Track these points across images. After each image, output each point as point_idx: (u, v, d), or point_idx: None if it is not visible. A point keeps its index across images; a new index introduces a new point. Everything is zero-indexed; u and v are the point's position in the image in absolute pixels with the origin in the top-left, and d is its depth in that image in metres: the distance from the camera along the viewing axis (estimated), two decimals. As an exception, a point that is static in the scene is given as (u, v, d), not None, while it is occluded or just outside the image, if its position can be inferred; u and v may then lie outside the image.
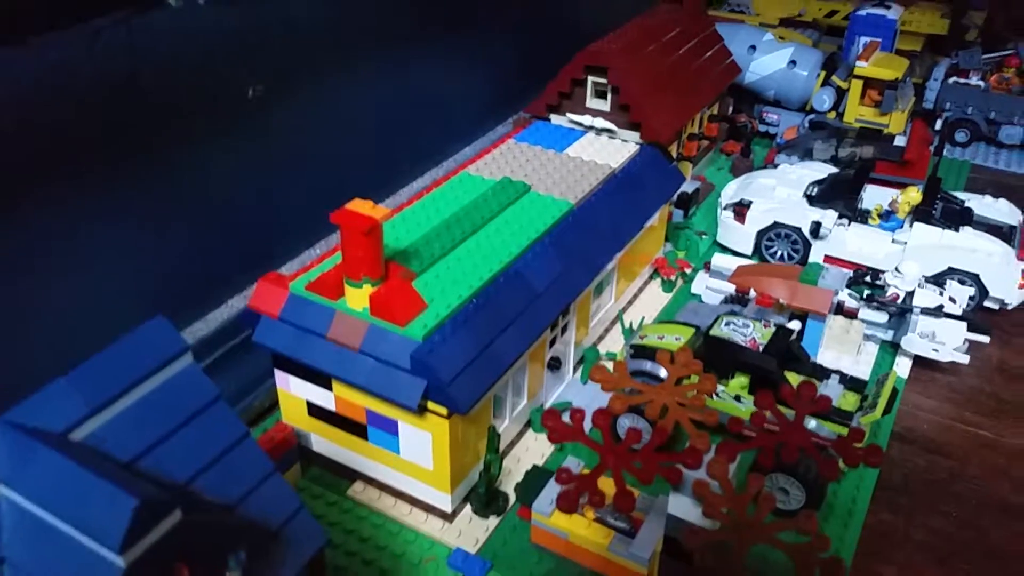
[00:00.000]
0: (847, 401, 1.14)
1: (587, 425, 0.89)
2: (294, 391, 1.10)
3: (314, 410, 1.10)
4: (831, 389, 1.15)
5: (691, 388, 0.91)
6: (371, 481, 1.11)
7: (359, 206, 0.95)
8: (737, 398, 1.14)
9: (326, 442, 1.12)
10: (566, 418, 0.88)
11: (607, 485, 0.83)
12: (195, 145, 1.16)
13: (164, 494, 0.58)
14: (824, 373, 1.18)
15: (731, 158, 1.97)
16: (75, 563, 0.56)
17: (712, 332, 1.17)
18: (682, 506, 0.86)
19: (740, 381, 1.14)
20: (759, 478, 0.78)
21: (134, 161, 1.08)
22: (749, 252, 1.61)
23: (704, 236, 1.69)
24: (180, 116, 1.12)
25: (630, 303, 1.49)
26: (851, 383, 1.17)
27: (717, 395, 1.15)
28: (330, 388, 1.05)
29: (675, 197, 1.59)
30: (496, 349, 1.02)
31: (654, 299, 1.52)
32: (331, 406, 1.07)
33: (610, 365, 0.94)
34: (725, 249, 1.63)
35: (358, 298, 0.99)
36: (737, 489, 0.79)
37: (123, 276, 1.11)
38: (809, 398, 0.88)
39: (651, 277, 1.57)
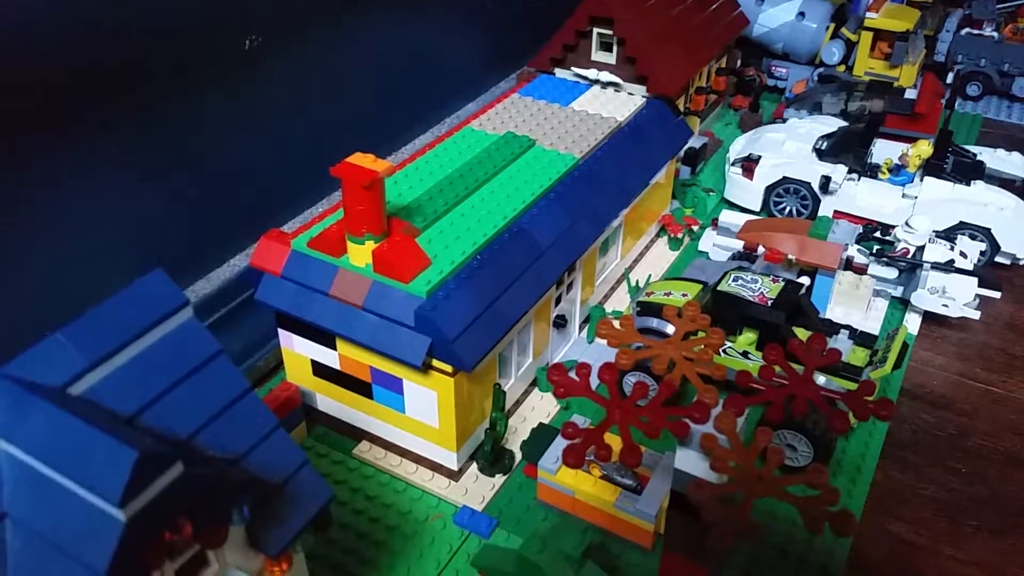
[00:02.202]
0: (856, 356, 1.12)
1: (594, 382, 0.88)
2: (298, 350, 1.09)
3: (319, 369, 1.09)
4: (840, 344, 1.14)
5: (698, 342, 0.90)
6: (377, 440, 1.10)
7: (360, 159, 0.93)
8: (745, 354, 1.13)
9: (331, 401, 1.11)
10: (572, 374, 0.87)
11: (613, 441, 0.82)
12: (192, 98, 1.14)
13: (165, 447, 0.58)
14: (833, 328, 1.17)
15: (739, 113, 1.94)
16: (76, 517, 0.55)
17: (720, 287, 1.16)
18: (689, 460, 0.85)
19: (748, 337, 1.13)
20: (767, 432, 0.77)
21: (129, 115, 1.06)
22: (757, 208, 1.59)
23: (711, 193, 1.67)
24: (175, 67, 1.10)
25: (636, 261, 1.47)
26: (860, 338, 1.16)
27: (724, 351, 1.13)
28: (334, 347, 1.05)
29: (682, 153, 1.57)
30: (501, 306, 1.00)
31: (661, 257, 1.50)
32: (335, 365, 1.06)
33: (616, 322, 0.93)
34: (733, 205, 1.61)
35: (361, 254, 0.97)
36: (745, 443, 0.78)
37: (121, 235, 1.10)
38: (819, 351, 0.86)
39: (658, 235, 1.55)
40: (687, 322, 0.91)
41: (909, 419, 1.19)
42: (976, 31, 2.08)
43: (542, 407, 1.17)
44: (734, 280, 1.17)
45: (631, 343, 0.89)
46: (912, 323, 1.34)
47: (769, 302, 1.12)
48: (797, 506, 0.71)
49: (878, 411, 0.80)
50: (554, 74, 1.48)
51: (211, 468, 0.63)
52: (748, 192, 1.58)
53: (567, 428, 0.80)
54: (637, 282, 1.39)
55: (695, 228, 1.53)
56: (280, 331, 1.09)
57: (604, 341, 0.89)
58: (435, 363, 0.97)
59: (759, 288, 1.14)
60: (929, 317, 1.35)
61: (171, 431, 0.64)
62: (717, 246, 1.45)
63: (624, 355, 0.87)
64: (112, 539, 0.53)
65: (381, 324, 0.97)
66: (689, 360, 0.87)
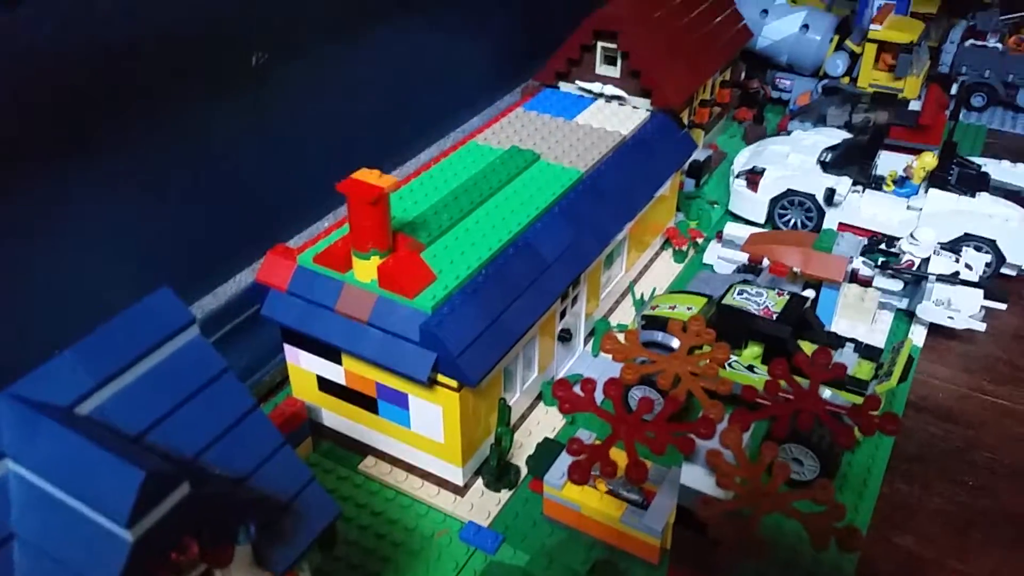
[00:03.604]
0: (862, 370, 1.12)
1: (599, 396, 0.88)
2: (304, 365, 1.09)
3: (324, 384, 1.09)
4: (846, 358, 1.14)
5: (704, 357, 0.90)
6: (382, 455, 1.10)
7: (366, 175, 0.93)
8: (750, 368, 1.13)
9: (337, 416, 1.11)
10: (577, 389, 0.87)
11: (619, 456, 0.82)
12: (199, 115, 1.15)
13: (171, 467, 0.58)
14: (838, 341, 1.16)
15: (743, 125, 1.94)
16: (84, 538, 0.55)
17: (725, 301, 1.16)
18: (695, 476, 0.85)
19: (753, 351, 1.13)
20: (773, 447, 0.77)
21: (137, 132, 1.07)
22: (762, 221, 1.59)
23: (716, 205, 1.67)
24: (183, 84, 1.11)
25: (641, 274, 1.48)
26: (866, 351, 1.16)
27: (730, 365, 1.13)
28: (340, 362, 1.05)
29: (686, 166, 1.57)
30: (506, 321, 1.01)
31: (666, 270, 1.50)
32: (341, 380, 1.07)
33: (621, 336, 0.93)
34: (738, 218, 1.61)
35: (366, 270, 0.98)
36: (751, 458, 0.77)
37: (129, 251, 1.10)
38: (824, 365, 0.86)
39: (662, 247, 1.55)
40: (692, 336, 0.91)
41: (915, 432, 1.19)
42: (980, 42, 2.08)
43: (548, 421, 1.17)
44: (739, 293, 1.17)
45: (636, 357, 0.89)
46: (918, 335, 1.34)
47: (774, 316, 1.12)
48: (803, 522, 0.71)
49: (884, 426, 0.80)
50: (559, 88, 1.49)
51: (217, 487, 0.64)
52: (753, 204, 1.59)
53: (572, 444, 0.80)
54: (642, 295, 1.40)
55: (699, 241, 1.53)
56: (286, 346, 1.09)
57: (609, 355, 0.90)
58: (440, 378, 0.97)
59: (764, 302, 1.14)
60: (935, 329, 1.35)
61: (178, 450, 0.64)
62: (722, 259, 1.45)
63: (629, 370, 0.87)
64: (119, 559, 0.54)
65: (386, 339, 0.97)
66: (695, 375, 0.87)
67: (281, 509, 0.69)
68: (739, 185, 1.60)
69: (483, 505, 1.04)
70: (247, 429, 0.69)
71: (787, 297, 1.16)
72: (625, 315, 1.37)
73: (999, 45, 2.07)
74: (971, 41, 2.10)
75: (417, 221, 1.07)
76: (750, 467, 0.76)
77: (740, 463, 0.76)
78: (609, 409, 0.84)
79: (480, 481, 1.07)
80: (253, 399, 0.71)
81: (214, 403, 0.68)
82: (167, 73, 1.08)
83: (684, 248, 1.51)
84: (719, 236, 1.48)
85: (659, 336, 1.15)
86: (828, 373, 0.86)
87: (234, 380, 0.70)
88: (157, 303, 0.68)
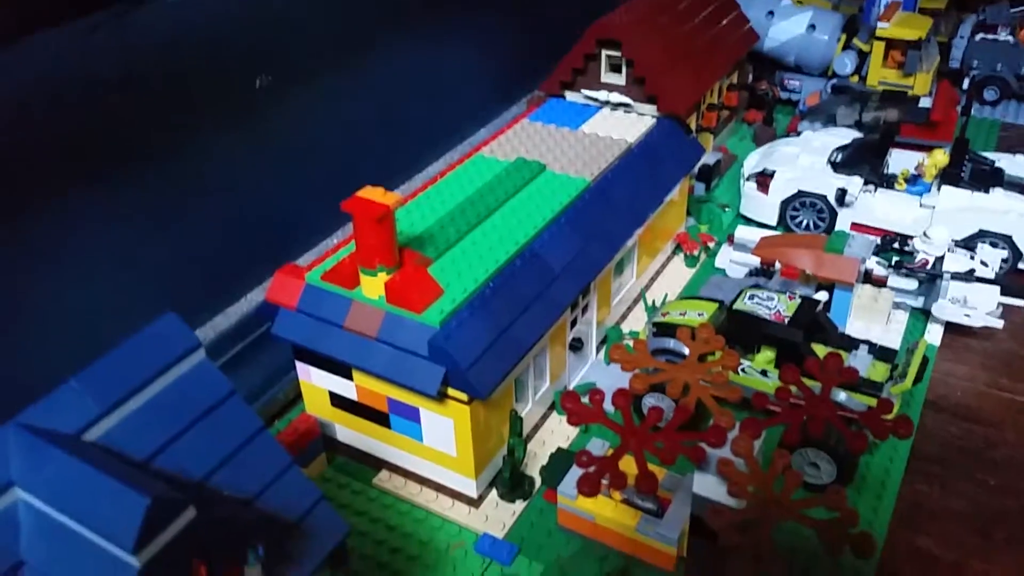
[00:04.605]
0: (877, 371, 1.11)
1: (610, 407, 0.88)
2: (316, 382, 1.10)
3: (336, 400, 1.10)
4: (860, 360, 1.13)
5: (713, 364, 0.90)
6: (396, 469, 1.10)
7: (370, 193, 0.94)
8: (764, 372, 1.12)
9: (350, 431, 1.12)
10: (586, 400, 0.87)
11: (630, 466, 0.81)
12: (205, 138, 1.16)
13: (177, 491, 0.58)
14: (852, 343, 1.15)
15: (753, 127, 1.93)
16: (92, 564, 0.55)
17: (736, 306, 1.15)
18: (707, 485, 0.84)
19: (766, 355, 1.12)
20: (785, 454, 0.76)
21: (144, 157, 1.08)
22: (774, 223, 1.58)
23: (727, 208, 1.66)
24: (186, 110, 1.12)
25: (653, 280, 1.47)
26: (880, 353, 1.14)
27: (743, 370, 1.13)
28: (351, 378, 1.05)
29: (696, 170, 1.56)
30: (515, 332, 1.01)
31: (677, 275, 1.49)
32: (353, 395, 1.07)
33: (631, 343, 0.92)
34: (749, 221, 1.60)
35: (374, 286, 0.98)
36: (764, 465, 0.77)
37: (141, 274, 1.11)
38: (835, 370, 0.86)
39: (674, 252, 1.54)
40: (701, 344, 0.91)
41: (934, 432, 1.17)
42: (991, 36, 2.06)
43: (561, 431, 1.17)
44: (750, 298, 1.16)
45: (644, 367, 0.89)
46: (934, 334, 1.32)
47: (786, 320, 1.11)
48: (816, 530, 0.71)
49: (896, 429, 0.79)
50: (564, 97, 1.49)
51: (225, 510, 0.64)
52: (764, 207, 1.58)
53: (581, 456, 0.80)
54: (653, 302, 1.39)
55: (711, 245, 1.52)
56: (298, 363, 1.10)
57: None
58: (451, 391, 0.97)
59: (775, 306, 1.14)
60: (952, 327, 1.33)
61: (185, 473, 0.64)
62: (734, 262, 1.45)
63: (638, 380, 0.86)
64: (127, 585, 0.54)
65: (396, 354, 0.97)
66: (705, 383, 0.87)
67: (290, 529, 0.69)
68: (750, 187, 1.59)
69: (498, 516, 1.04)
70: (254, 451, 0.69)
71: (798, 301, 1.15)
72: (638, 322, 1.37)
73: (1010, 38, 2.05)
74: (981, 35, 2.08)
75: (424, 235, 1.07)
76: (761, 475, 0.75)
77: (752, 471, 0.76)
78: (619, 420, 0.84)
79: (494, 492, 1.07)
80: (260, 421, 0.71)
81: (221, 426, 0.68)
82: (168, 100, 1.09)
83: (695, 253, 1.50)
84: (730, 240, 1.48)
85: (671, 343, 1.15)
86: (839, 378, 0.85)
87: (240, 403, 0.70)
88: (163, 328, 0.68)
